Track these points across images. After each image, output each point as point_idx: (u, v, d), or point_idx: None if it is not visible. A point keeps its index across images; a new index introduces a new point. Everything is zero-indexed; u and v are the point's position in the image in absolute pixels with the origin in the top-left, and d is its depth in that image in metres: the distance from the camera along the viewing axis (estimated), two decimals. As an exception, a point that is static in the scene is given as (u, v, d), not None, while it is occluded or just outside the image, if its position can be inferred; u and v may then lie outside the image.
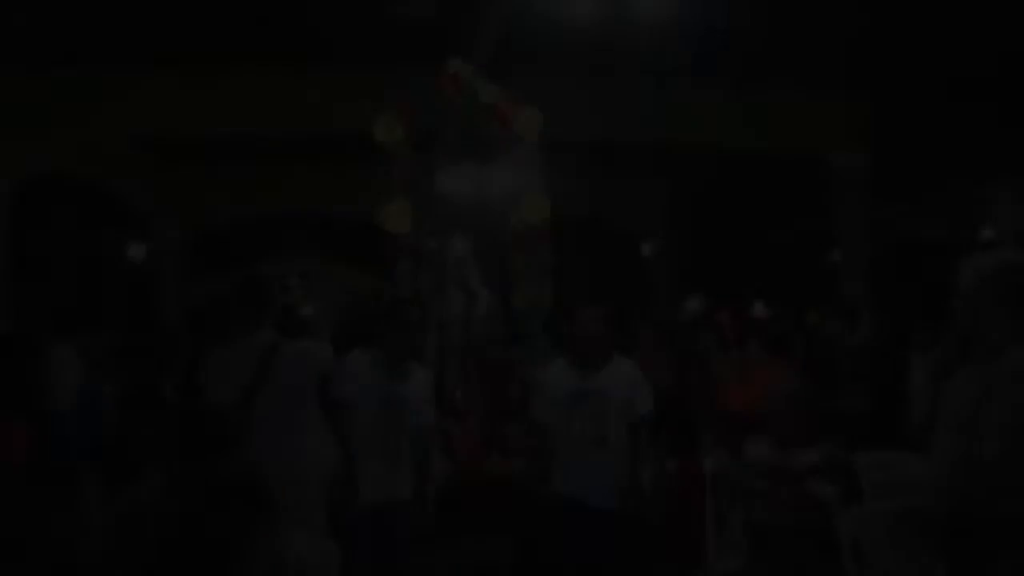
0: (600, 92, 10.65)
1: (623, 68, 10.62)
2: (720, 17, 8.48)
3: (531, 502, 5.39)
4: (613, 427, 5.05)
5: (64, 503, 2.97)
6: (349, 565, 4.07)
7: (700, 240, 17.51)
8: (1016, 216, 8.20)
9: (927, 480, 3.63)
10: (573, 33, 6.91)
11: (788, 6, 8.86)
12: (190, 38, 10.02)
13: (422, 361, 5.61)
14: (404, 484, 5.01)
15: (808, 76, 11.30)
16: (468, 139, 7.13)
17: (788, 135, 12.09)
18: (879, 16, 8.96)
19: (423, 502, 5.12)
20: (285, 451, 4.58)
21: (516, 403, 6.35)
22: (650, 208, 17.73)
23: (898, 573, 4.35)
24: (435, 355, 6.55)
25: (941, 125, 11.37)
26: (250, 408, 4.60)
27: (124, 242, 17.69)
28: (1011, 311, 3.41)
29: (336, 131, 12.94)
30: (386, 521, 4.91)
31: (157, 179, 15.89)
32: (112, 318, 11.81)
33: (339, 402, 4.87)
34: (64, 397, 5.44)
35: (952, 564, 3.49)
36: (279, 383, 4.66)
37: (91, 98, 10.83)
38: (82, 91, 10.79)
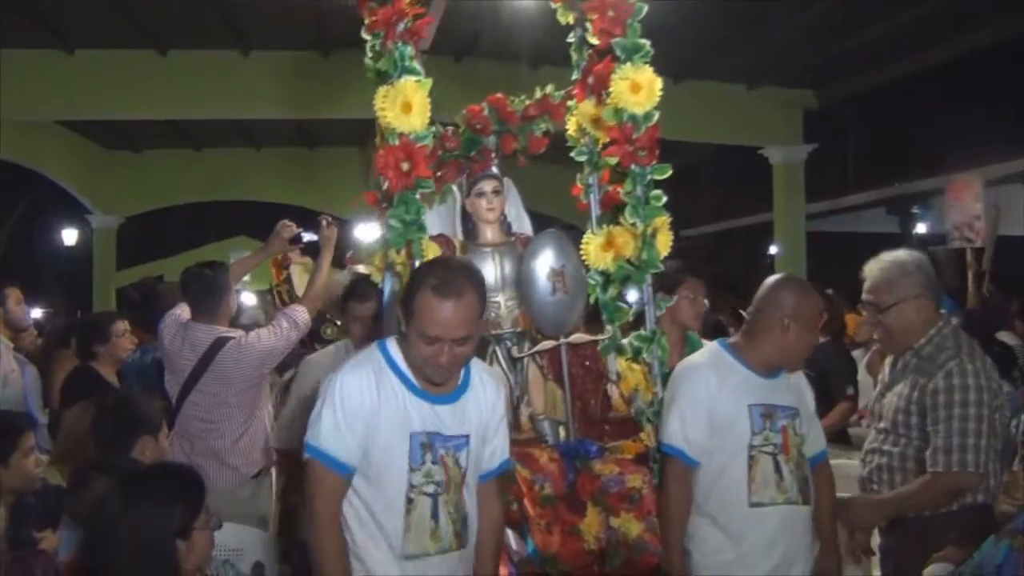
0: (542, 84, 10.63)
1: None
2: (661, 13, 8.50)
3: None
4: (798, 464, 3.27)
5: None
6: None
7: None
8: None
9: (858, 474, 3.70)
10: (515, 26, 6.82)
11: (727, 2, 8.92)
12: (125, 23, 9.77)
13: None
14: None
15: (747, 72, 11.44)
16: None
17: (728, 128, 12.18)
18: (819, 12, 9.07)
19: None
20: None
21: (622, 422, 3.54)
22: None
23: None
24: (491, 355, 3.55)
25: (879, 120, 11.61)
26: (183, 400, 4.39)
27: (59, 226, 17.37)
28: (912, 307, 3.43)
29: (273, 118, 12.81)
30: None
31: (90, 163, 15.56)
32: (47, 302, 11.51)
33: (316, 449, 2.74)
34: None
35: (884, 554, 3.57)
36: (217, 377, 4.38)
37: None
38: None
